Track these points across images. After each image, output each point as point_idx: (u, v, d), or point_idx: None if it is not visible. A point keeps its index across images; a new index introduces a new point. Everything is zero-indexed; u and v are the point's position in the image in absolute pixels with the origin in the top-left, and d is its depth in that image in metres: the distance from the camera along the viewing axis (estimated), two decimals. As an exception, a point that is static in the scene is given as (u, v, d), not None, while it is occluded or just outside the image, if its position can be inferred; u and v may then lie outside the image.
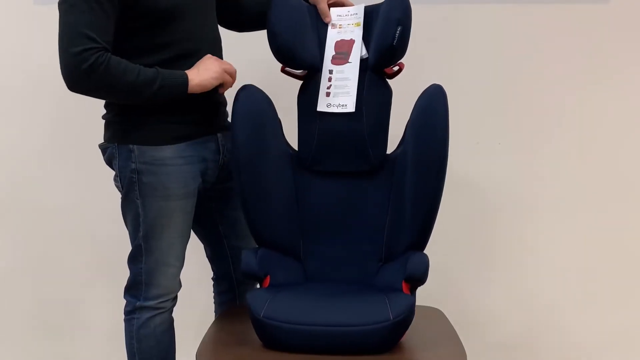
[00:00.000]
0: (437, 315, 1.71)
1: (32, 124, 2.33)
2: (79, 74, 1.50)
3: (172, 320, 1.78)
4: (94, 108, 2.28)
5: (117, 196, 1.73)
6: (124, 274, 1.75)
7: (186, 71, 1.60)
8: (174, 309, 1.78)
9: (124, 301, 1.75)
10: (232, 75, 1.67)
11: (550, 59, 2.25)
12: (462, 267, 2.34)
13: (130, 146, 1.64)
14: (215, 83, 1.63)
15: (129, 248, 1.73)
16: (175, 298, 1.76)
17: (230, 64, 1.67)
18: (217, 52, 1.73)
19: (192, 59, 1.63)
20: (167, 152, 1.64)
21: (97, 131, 2.30)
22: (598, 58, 2.25)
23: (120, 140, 1.66)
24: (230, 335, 1.61)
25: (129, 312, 1.74)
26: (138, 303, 1.71)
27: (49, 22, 2.24)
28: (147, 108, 1.61)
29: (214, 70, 1.62)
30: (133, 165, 1.64)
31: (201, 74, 1.60)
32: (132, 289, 1.72)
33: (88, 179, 2.33)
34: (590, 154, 2.29)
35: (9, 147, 2.35)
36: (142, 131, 1.64)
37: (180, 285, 1.76)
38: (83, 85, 1.53)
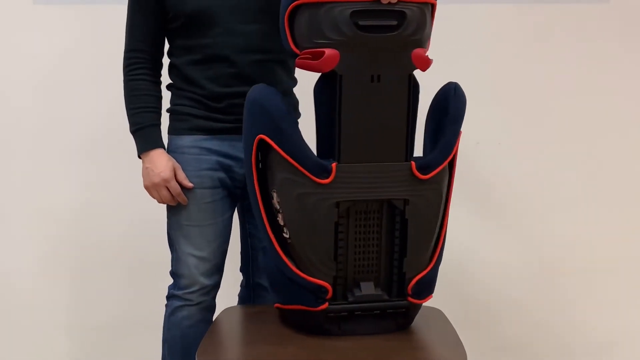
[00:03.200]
0: (437, 315, 1.71)
1: (32, 123, 2.33)
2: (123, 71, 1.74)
3: (202, 318, 1.76)
4: (95, 107, 2.29)
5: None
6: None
7: (151, 153, 1.70)
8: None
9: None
10: (164, 197, 1.70)
11: (550, 58, 2.25)
12: (462, 267, 2.34)
13: (168, 136, 1.78)
14: (148, 188, 1.72)
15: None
16: (205, 294, 1.75)
17: (177, 187, 1.69)
18: (254, 63, 1.70)
19: (216, 65, 1.69)
20: (186, 141, 1.74)
21: (98, 130, 2.32)
22: (598, 57, 2.25)
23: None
24: (230, 335, 1.61)
25: (167, 299, 1.80)
26: (172, 290, 1.78)
27: (49, 21, 2.27)
28: (179, 102, 1.75)
29: (150, 178, 1.70)
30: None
31: (146, 171, 1.71)
32: (172, 277, 1.79)
33: (90, 178, 2.33)
34: (590, 153, 2.29)
35: (9, 146, 2.35)
36: (172, 122, 1.78)
37: (209, 279, 1.74)
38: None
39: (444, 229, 1.53)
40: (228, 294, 1.94)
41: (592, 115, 2.27)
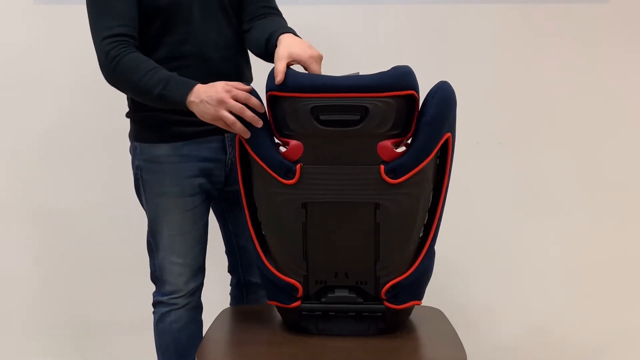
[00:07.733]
0: (437, 315, 1.71)
1: (32, 124, 2.32)
2: (102, 65, 1.55)
3: (192, 319, 1.76)
4: (96, 107, 2.29)
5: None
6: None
7: (194, 89, 1.48)
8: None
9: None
10: (235, 108, 1.43)
11: (551, 58, 2.25)
12: (462, 267, 2.34)
13: (135, 144, 1.70)
14: (210, 122, 1.48)
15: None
16: (191, 295, 1.74)
17: (240, 106, 1.43)
18: (227, 58, 1.67)
19: (190, 62, 1.63)
20: (163, 150, 1.67)
21: (98, 130, 2.32)
22: (598, 58, 2.25)
23: (131, 138, 1.73)
24: (230, 336, 1.61)
25: (153, 305, 1.78)
26: (156, 297, 1.76)
27: (49, 21, 2.27)
28: (149, 107, 1.61)
29: (214, 99, 1.45)
30: (137, 162, 1.70)
31: (202, 104, 1.47)
32: (155, 283, 1.77)
33: (90, 179, 2.33)
34: (590, 153, 2.29)
35: (9, 147, 2.34)
36: (143, 130, 1.69)
37: (193, 282, 1.73)
38: (107, 78, 1.57)
39: (431, 233, 1.49)
40: (221, 296, 1.95)
41: (592, 115, 2.27)
